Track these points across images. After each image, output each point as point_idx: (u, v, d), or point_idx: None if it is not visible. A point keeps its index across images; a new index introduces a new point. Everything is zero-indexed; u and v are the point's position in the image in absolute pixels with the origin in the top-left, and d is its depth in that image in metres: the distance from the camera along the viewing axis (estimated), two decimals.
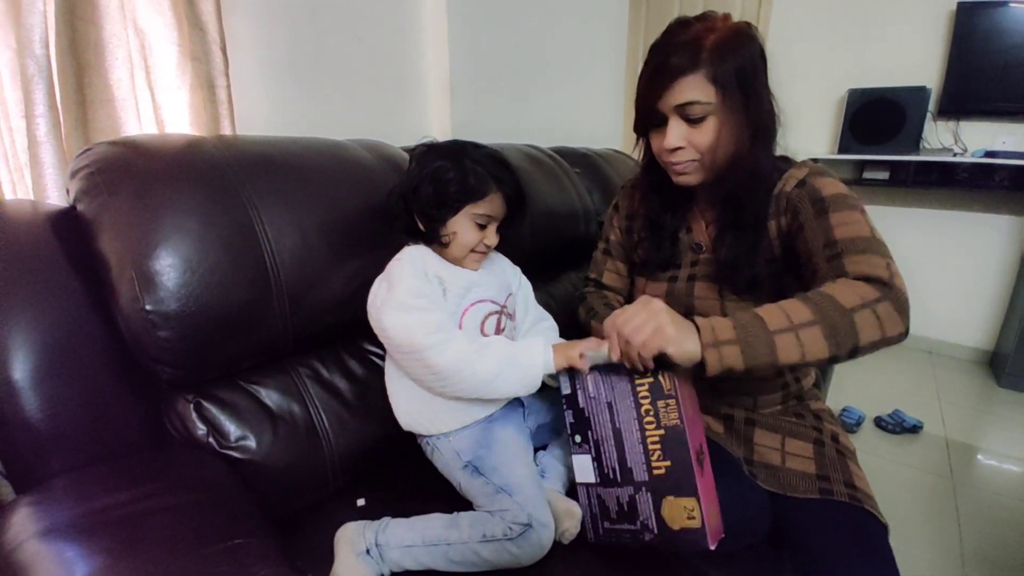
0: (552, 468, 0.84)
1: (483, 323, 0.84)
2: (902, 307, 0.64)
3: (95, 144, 0.75)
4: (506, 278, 0.94)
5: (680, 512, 0.64)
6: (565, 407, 0.74)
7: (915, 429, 1.87)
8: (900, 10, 2.37)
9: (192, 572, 0.49)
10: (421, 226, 0.83)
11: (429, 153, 0.83)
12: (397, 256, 0.84)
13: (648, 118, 0.78)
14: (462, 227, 0.81)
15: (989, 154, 2.21)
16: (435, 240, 0.83)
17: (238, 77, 1.20)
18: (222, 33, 1.14)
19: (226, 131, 1.16)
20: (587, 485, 0.72)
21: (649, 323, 0.62)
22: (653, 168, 0.85)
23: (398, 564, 0.69)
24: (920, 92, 2.27)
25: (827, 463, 0.78)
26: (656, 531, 0.66)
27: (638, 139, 0.85)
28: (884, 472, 1.66)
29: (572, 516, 0.74)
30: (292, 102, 1.37)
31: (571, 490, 0.80)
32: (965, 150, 2.31)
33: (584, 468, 0.72)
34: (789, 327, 0.62)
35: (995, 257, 2.41)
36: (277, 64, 1.34)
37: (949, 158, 2.27)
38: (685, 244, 0.89)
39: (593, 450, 0.71)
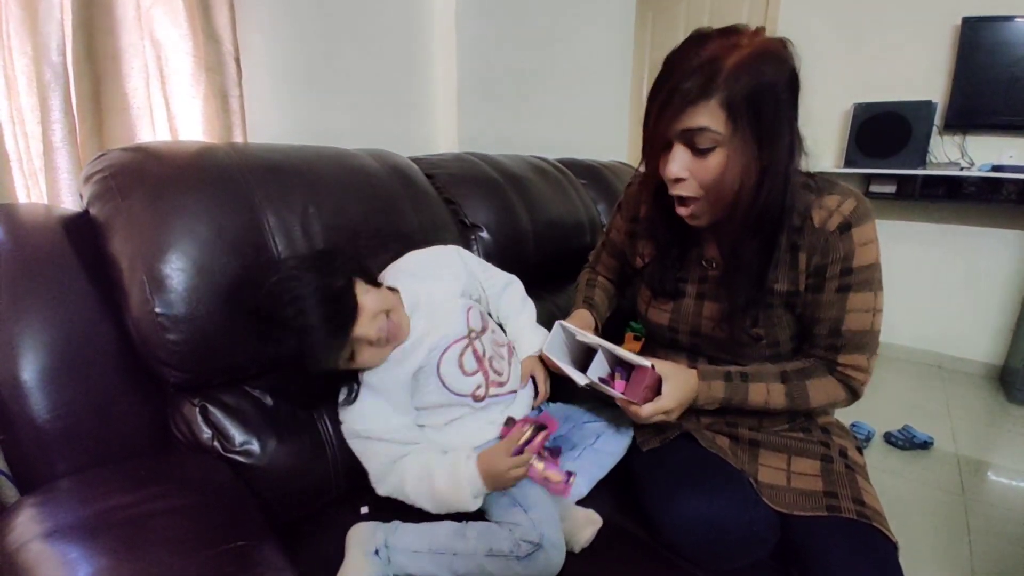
0: None
1: (461, 363, 0.79)
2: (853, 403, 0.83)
3: (109, 150, 0.76)
4: (455, 310, 0.83)
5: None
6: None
7: (925, 445, 1.84)
8: (906, 24, 2.38)
9: (195, 574, 0.49)
10: None
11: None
12: None
13: (654, 142, 0.71)
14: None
15: (996, 168, 2.20)
16: None
17: (251, 88, 1.22)
18: (236, 45, 1.16)
19: (238, 140, 1.18)
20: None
21: (674, 413, 0.77)
22: (661, 196, 0.77)
23: (404, 569, 0.68)
24: (926, 106, 2.27)
25: (835, 479, 0.77)
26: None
27: (642, 162, 0.77)
28: (894, 488, 1.63)
29: (593, 523, 0.75)
30: (303, 112, 1.39)
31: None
32: (972, 164, 2.30)
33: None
34: (764, 404, 0.79)
35: (1004, 271, 2.39)
36: (289, 75, 1.36)
37: (956, 172, 2.27)
38: (694, 258, 0.85)
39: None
